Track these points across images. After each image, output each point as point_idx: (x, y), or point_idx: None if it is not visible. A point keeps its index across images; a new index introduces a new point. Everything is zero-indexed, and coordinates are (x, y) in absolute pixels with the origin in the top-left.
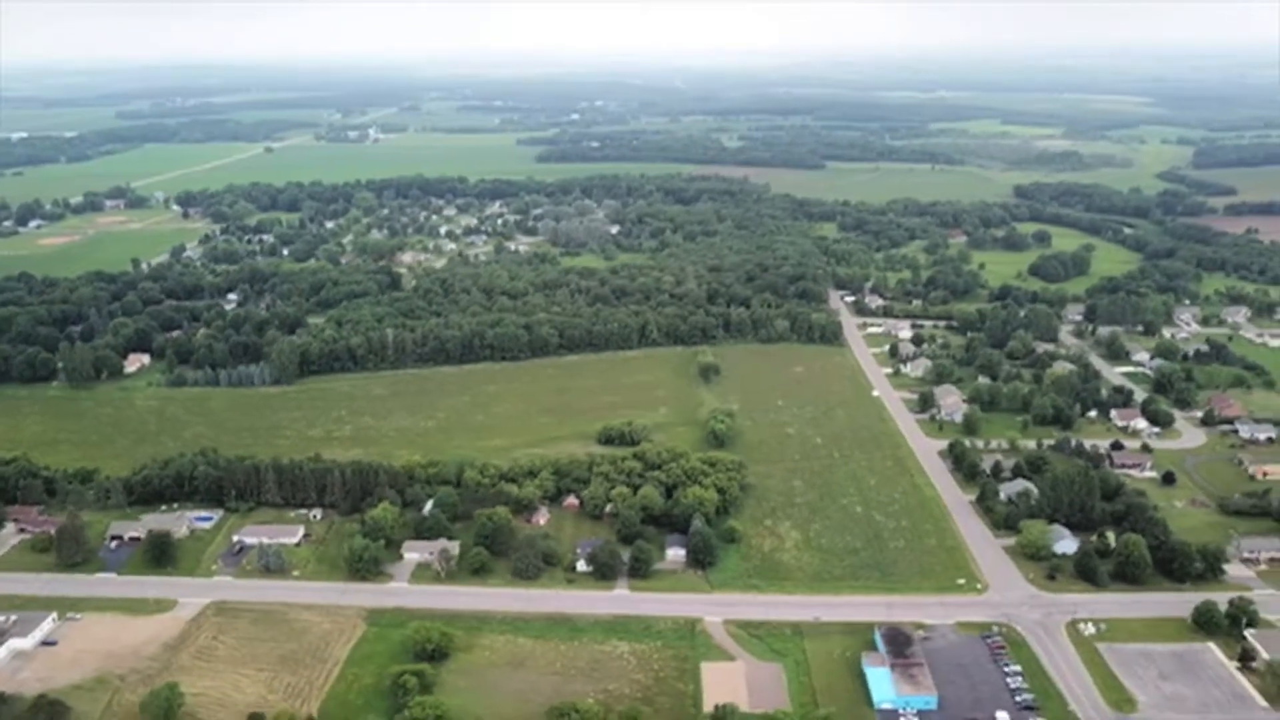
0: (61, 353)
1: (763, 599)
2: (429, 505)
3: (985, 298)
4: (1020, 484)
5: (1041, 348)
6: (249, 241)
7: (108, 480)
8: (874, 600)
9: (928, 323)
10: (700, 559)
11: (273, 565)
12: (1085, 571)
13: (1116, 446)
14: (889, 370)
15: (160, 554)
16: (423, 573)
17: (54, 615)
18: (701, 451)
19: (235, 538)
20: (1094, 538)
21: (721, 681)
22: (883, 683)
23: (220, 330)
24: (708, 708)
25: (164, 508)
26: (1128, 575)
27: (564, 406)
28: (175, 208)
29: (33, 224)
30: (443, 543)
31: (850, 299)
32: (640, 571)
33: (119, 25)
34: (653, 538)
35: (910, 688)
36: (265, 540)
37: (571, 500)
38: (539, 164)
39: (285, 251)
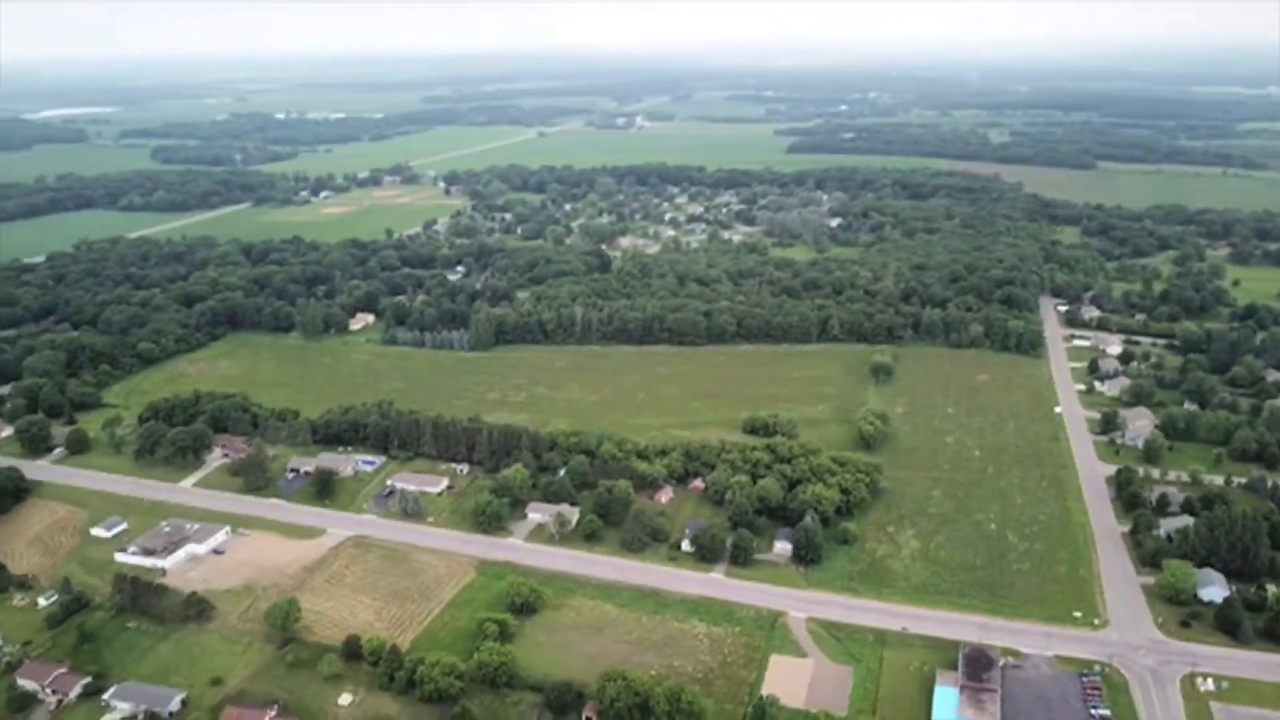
0: (299, 308)
1: (855, 602)
2: (562, 471)
3: (1225, 317)
4: (1184, 520)
5: (1274, 376)
6: (490, 219)
7: (298, 420)
8: (972, 620)
9: (1145, 339)
10: (802, 555)
11: (410, 510)
12: (1226, 623)
13: None
14: (1082, 387)
15: (323, 488)
16: (539, 533)
17: (228, 529)
18: (849, 451)
19: (389, 482)
20: (1253, 589)
21: (785, 676)
22: (946, 702)
23: (436, 298)
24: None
25: (341, 449)
26: (1277, 634)
27: (724, 393)
28: (441, 185)
29: (323, 194)
30: (563, 507)
31: (1064, 308)
32: (740, 559)
33: (437, 17)
34: (763, 528)
35: (974, 711)
36: (411, 487)
37: (697, 483)
38: (788, 155)
39: (519, 230)
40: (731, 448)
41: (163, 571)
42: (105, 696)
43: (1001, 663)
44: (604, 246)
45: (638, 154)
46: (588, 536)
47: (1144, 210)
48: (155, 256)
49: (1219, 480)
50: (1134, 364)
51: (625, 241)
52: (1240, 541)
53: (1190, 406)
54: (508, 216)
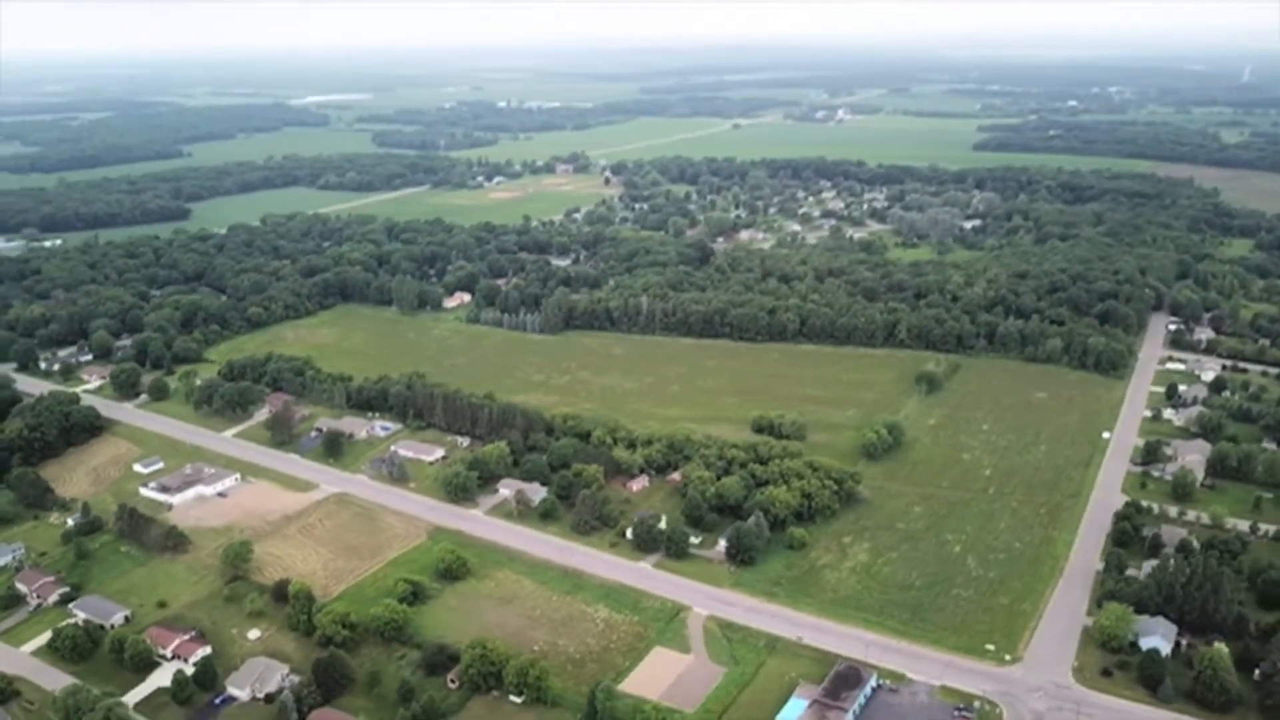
0: (395, 284)
1: (766, 607)
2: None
3: None
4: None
5: None
6: (630, 208)
7: (336, 385)
8: (876, 639)
9: (1256, 367)
10: (733, 554)
11: (395, 475)
12: (1146, 678)
13: None
14: (1149, 413)
15: (332, 447)
16: (502, 508)
17: (237, 476)
18: (855, 458)
19: (392, 448)
20: (1202, 645)
21: (657, 668)
22: (791, 714)
23: (528, 281)
24: (626, 685)
25: (370, 415)
26: (1199, 695)
27: (759, 391)
28: (607, 174)
29: (495, 180)
30: (528, 485)
31: (1174, 326)
32: (674, 551)
33: (688, 9)
34: (716, 525)
35: None
36: (409, 454)
37: (675, 475)
38: (973, 152)
39: (648, 220)
40: (711, 443)
41: (170, 507)
42: (71, 605)
43: (875, 684)
44: (721, 239)
45: (821, 147)
46: (543, 515)
47: None
48: (316, 232)
49: (1244, 526)
50: (1225, 393)
51: (744, 235)
52: (1200, 593)
53: (1267, 445)
54: (644, 207)
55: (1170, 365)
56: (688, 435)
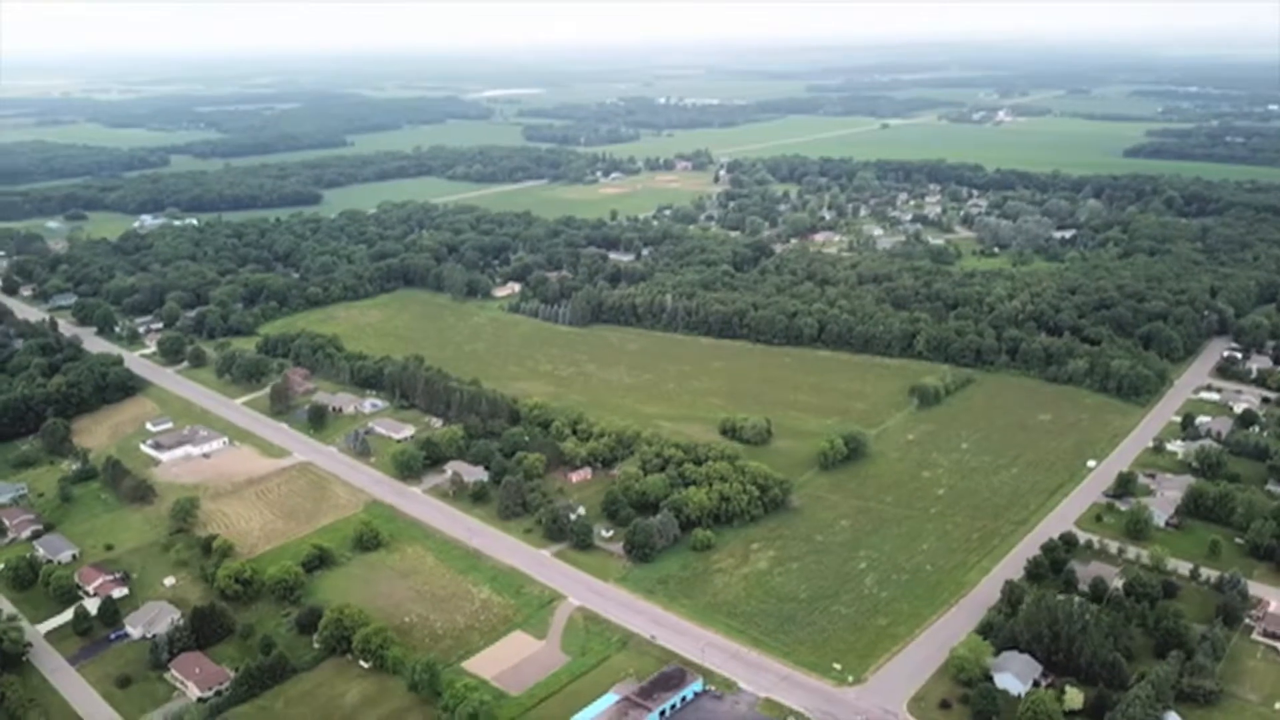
0: (445, 272)
1: (638, 603)
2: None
3: None
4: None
5: None
6: (723, 206)
7: (341, 363)
8: (727, 645)
9: None
10: (630, 550)
11: (359, 449)
12: (979, 713)
13: None
14: (1152, 444)
15: (317, 420)
16: (440, 488)
17: (225, 439)
18: (808, 467)
19: (370, 424)
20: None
21: (508, 649)
22: (597, 708)
23: (579, 276)
24: (470, 662)
25: (366, 392)
26: None
27: (750, 394)
28: (719, 172)
29: (612, 175)
30: (465, 468)
31: (1228, 353)
32: (578, 542)
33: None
34: (630, 520)
35: None
36: (382, 431)
37: (615, 471)
38: (1122, 158)
39: (729, 218)
40: (654, 441)
41: (158, 462)
42: (35, 541)
43: (699, 689)
44: (795, 240)
45: (953, 150)
46: (475, 498)
47: None
48: (415, 220)
49: (1185, 569)
50: (1253, 428)
51: (820, 237)
52: (1067, 633)
53: (1272, 487)
54: (732, 204)
55: (1204, 395)
56: (637, 432)
